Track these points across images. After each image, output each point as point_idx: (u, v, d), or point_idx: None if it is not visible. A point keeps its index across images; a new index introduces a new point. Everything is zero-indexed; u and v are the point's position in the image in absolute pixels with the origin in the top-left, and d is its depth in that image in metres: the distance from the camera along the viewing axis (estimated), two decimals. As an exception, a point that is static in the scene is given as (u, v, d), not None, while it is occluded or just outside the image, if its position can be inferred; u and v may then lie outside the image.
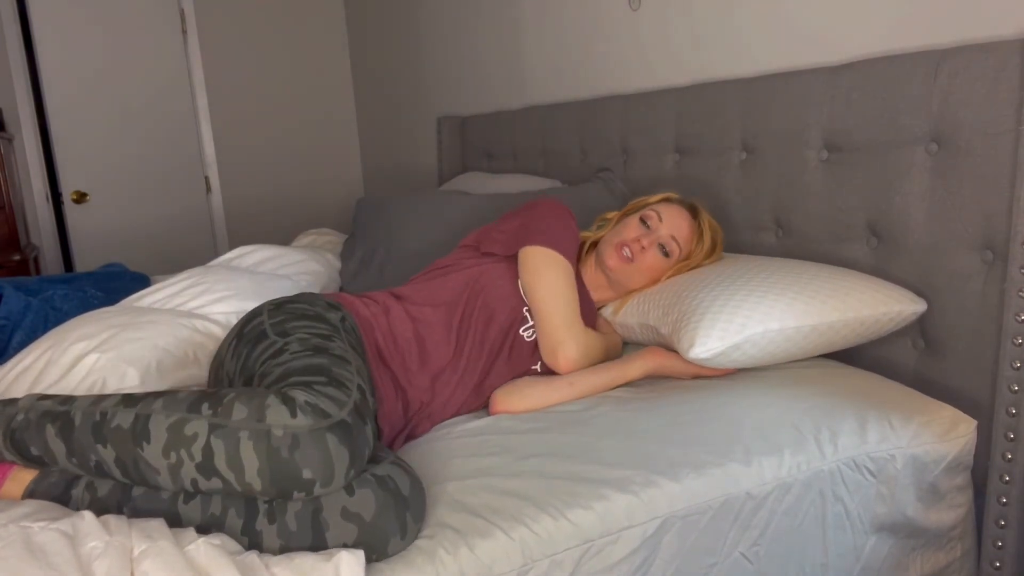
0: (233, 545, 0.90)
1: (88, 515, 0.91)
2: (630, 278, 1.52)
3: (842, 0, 1.56)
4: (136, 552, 0.85)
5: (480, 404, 1.37)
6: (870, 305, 1.32)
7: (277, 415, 0.89)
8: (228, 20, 3.76)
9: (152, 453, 0.92)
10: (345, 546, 0.90)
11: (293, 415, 0.90)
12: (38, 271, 3.38)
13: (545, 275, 1.39)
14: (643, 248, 1.50)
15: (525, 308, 1.42)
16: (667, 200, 1.59)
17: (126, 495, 0.97)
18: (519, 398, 1.32)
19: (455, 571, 0.92)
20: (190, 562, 0.85)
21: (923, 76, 1.34)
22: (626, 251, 1.50)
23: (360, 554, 0.88)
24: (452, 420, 1.33)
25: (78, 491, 0.99)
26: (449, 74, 3.15)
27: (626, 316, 1.52)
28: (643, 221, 1.53)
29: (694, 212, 1.57)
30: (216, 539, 0.89)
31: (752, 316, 1.28)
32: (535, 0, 2.55)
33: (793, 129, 1.60)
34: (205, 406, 0.93)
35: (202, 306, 1.62)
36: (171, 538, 0.87)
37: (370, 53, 3.85)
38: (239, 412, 0.90)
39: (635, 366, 1.40)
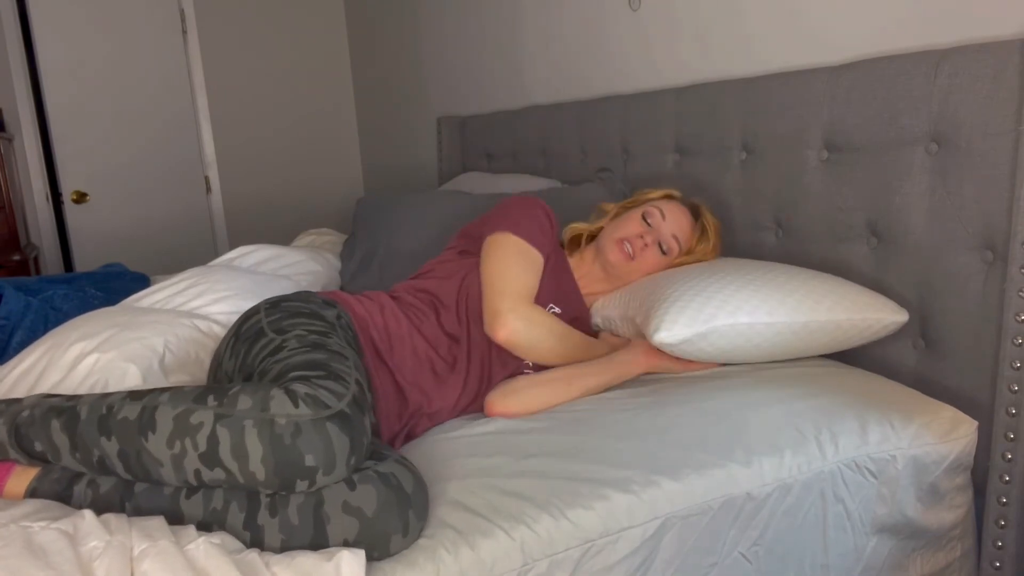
0: (233, 544, 0.90)
1: (89, 514, 0.91)
2: (630, 274, 1.53)
3: (842, 0, 1.56)
4: (136, 551, 0.85)
5: (480, 406, 1.37)
6: (848, 310, 1.32)
7: (280, 405, 0.91)
8: (228, 20, 3.77)
9: (156, 443, 0.92)
10: (346, 542, 0.90)
11: (295, 405, 0.91)
12: (38, 271, 3.39)
13: (495, 253, 1.38)
14: (645, 246, 1.51)
15: None
16: (669, 197, 1.59)
17: (128, 491, 0.97)
18: (515, 400, 1.30)
19: (456, 570, 0.92)
20: (190, 561, 0.85)
21: (923, 76, 1.34)
22: (627, 247, 1.50)
23: (361, 553, 0.88)
24: (452, 420, 1.32)
25: (80, 487, 0.99)
26: (449, 74, 3.15)
27: (609, 308, 1.52)
28: (645, 218, 1.54)
29: (696, 212, 1.58)
30: (216, 538, 0.89)
31: (722, 308, 1.28)
32: (535, 0, 2.55)
33: (793, 129, 1.60)
34: (211, 398, 0.94)
35: (202, 306, 1.62)
36: (171, 537, 0.87)
37: (370, 53, 3.85)
38: (244, 403, 0.92)
39: (629, 370, 1.40)
